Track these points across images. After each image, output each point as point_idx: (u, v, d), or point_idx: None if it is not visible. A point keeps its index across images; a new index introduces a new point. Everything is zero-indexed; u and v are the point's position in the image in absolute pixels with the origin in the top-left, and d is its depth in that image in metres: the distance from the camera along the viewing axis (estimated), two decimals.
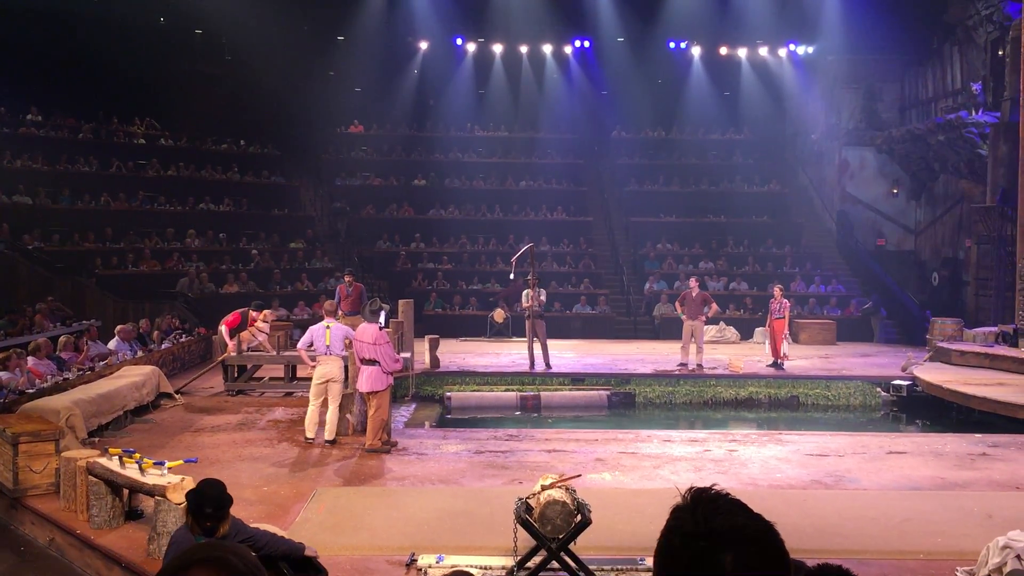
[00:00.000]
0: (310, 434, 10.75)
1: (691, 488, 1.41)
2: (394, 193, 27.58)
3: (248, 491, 8.56)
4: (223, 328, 14.13)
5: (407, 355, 15.29)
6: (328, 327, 10.81)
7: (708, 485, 1.43)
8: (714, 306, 16.90)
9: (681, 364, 16.68)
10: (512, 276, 18.00)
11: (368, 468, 9.75)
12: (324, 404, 10.90)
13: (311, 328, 11.10)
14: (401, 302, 16.08)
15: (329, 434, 10.74)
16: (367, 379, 10.26)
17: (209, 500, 4.98)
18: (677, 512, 1.38)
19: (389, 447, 10.48)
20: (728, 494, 1.40)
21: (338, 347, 10.80)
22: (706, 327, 21.67)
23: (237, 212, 24.74)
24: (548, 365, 16.33)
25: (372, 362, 10.27)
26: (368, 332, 10.38)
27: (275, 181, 26.54)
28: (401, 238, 26.19)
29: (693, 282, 17.26)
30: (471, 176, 28.21)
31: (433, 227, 26.61)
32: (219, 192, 24.83)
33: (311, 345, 10.88)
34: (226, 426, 11.84)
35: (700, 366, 16.50)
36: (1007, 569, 6.03)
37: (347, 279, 16.84)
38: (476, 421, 14.46)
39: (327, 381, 10.77)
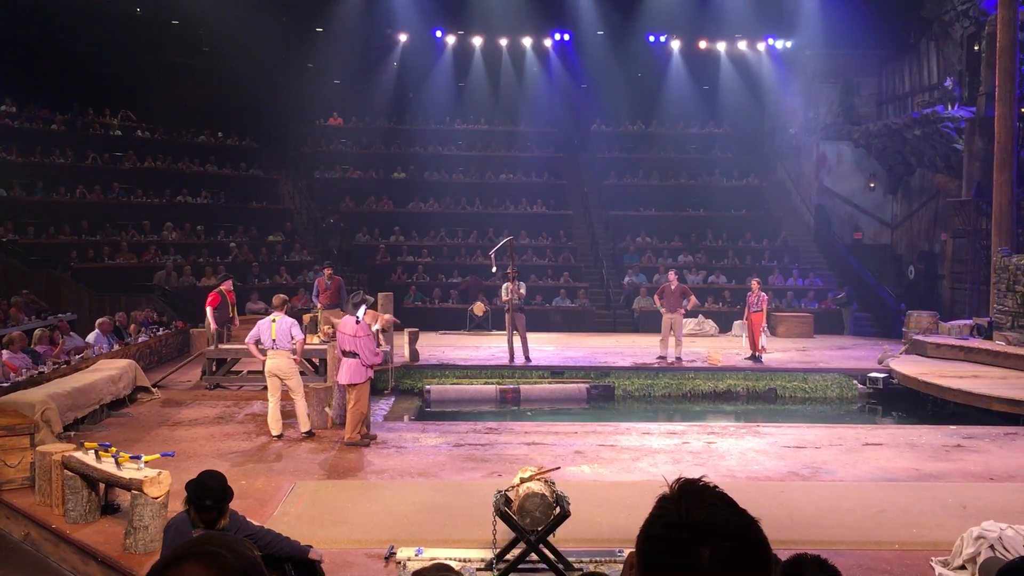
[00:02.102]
0: (276, 431, 10.61)
1: (679, 479, 1.41)
2: (373, 186, 27.47)
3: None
4: (208, 310, 14.23)
5: (386, 348, 15.24)
6: (274, 320, 10.67)
7: (697, 477, 1.43)
8: (692, 299, 16.97)
9: (660, 357, 16.75)
10: (493, 270, 18.00)
11: (347, 461, 9.73)
12: (288, 399, 10.86)
13: (259, 322, 11.01)
14: (381, 295, 16.03)
15: (303, 425, 10.69)
16: (346, 371, 10.23)
17: (210, 492, 4.94)
18: (662, 502, 1.38)
19: (368, 440, 10.45)
20: (716, 487, 1.40)
21: (284, 341, 10.58)
22: (685, 320, 21.78)
23: (215, 205, 24.57)
24: (528, 359, 16.35)
25: (352, 354, 10.24)
26: (349, 324, 10.36)
27: (253, 174, 26.37)
28: (381, 231, 26.10)
29: (672, 275, 17.30)
30: (451, 169, 28.15)
31: (413, 220, 26.54)
32: (196, 184, 24.64)
33: (259, 340, 10.72)
34: (203, 420, 11.77)
35: (679, 359, 16.56)
36: (980, 559, 6.10)
37: (326, 272, 16.76)
38: (455, 414, 14.47)
39: (274, 375, 10.62)
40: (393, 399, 14.63)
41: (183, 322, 18.03)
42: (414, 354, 16.22)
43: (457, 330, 21.63)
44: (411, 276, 24.24)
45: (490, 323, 21.55)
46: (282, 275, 22.87)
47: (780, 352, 18.10)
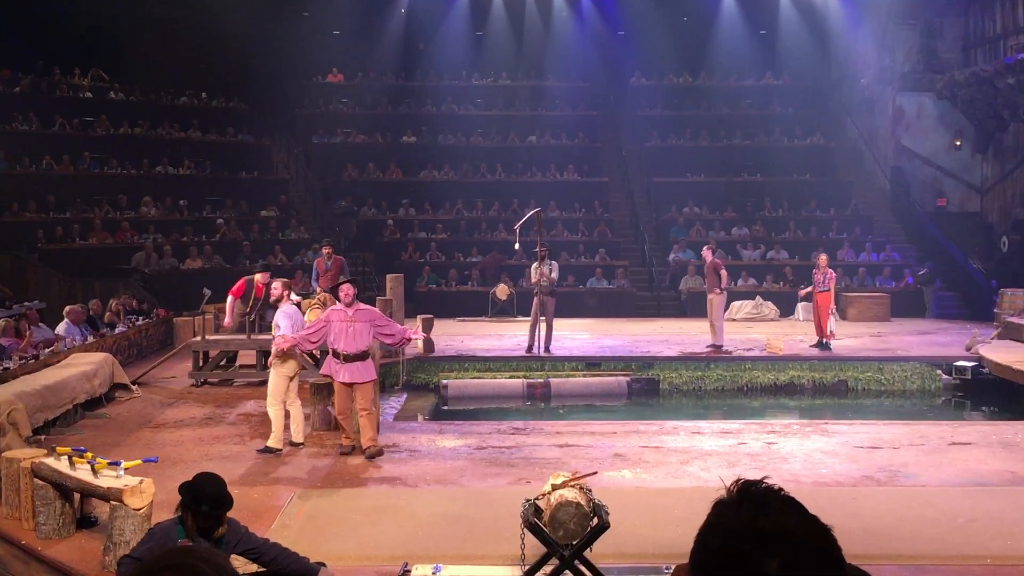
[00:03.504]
0: (279, 444, 10.31)
1: (738, 480, 1.39)
2: (379, 152, 27.53)
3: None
4: (229, 299, 14.38)
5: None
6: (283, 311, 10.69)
7: (759, 478, 1.41)
8: (723, 275, 16.81)
9: (709, 345, 16.71)
10: (517, 246, 17.98)
11: (352, 468, 9.78)
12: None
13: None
14: (389, 277, 16.07)
15: (297, 435, 10.53)
16: (351, 368, 10.14)
17: (206, 497, 4.99)
18: (720, 507, 1.36)
19: (348, 449, 10.20)
20: (781, 490, 1.38)
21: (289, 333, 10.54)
22: (741, 303, 21.69)
23: (199, 176, 24.74)
24: (547, 349, 16.36)
25: (356, 356, 10.10)
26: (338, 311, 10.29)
27: (242, 140, 26.50)
28: (388, 204, 26.16)
29: (705, 249, 17.35)
30: (468, 131, 28.14)
31: (425, 191, 26.60)
32: (178, 153, 24.80)
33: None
34: (190, 421, 11.87)
35: (716, 347, 16.56)
36: None
37: (325, 251, 16.82)
38: (477, 412, 14.52)
39: (286, 376, 10.41)
40: (405, 396, 14.67)
41: (165, 310, 18.19)
42: (428, 344, 16.27)
43: (477, 316, 21.70)
44: (424, 255, 24.31)
45: (515, 308, 21.58)
46: (276, 255, 23.00)
47: (851, 338, 17.99)
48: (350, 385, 10.02)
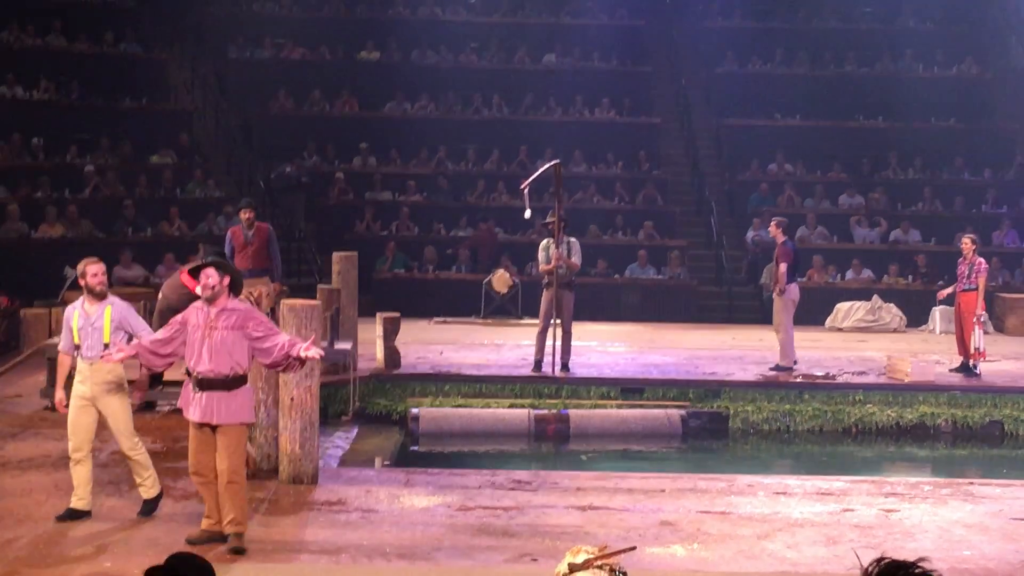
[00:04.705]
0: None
1: (880, 561, 1.39)
2: (326, 73, 27.51)
3: (81, 573, 8.57)
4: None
5: (345, 346, 15.26)
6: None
7: (911, 560, 1.41)
8: (781, 267, 16.82)
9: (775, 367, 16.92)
10: (527, 214, 17.90)
11: (279, 535, 9.75)
12: None
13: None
14: (336, 257, 16.05)
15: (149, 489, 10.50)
16: (211, 400, 9.31)
17: None
18: None
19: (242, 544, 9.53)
20: (936, 573, 1.37)
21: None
22: (851, 305, 21.67)
23: (62, 102, 24.65)
24: (565, 366, 16.30)
25: (226, 380, 9.42)
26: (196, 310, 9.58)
27: (126, 51, 26.34)
28: (337, 150, 26.11)
29: (774, 225, 17.43)
30: (457, 46, 28.04)
31: (392, 132, 26.54)
32: (32, 69, 24.67)
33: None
34: (43, 460, 11.83)
35: (781, 368, 16.70)
36: None
37: (245, 217, 16.75)
38: (461, 457, 14.50)
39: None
40: (356, 431, 14.64)
41: (8, 298, 18.14)
42: (392, 356, 16.22)
43: (465, 317, 21.68)
44: (388, 226, 24.23)
45: (519, 306, 21.53)
46: (173, 221, 22.89)
47: (1010, 360, 17.97)
48: (208, 427, 9.34)
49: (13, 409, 14.18)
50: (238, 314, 9.31)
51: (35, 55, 25.05)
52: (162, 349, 9.43)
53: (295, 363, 9.40)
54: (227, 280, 9.31)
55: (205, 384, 9.18)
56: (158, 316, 13.08)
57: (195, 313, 9.36)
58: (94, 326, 10.01)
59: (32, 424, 13.43)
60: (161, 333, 9.62)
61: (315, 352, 9.30)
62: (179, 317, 9.58)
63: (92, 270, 10.19)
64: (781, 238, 17.08)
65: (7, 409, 14.18)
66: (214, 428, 9.23)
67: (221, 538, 9.22)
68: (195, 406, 9.22)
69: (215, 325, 9.21)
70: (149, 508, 10.16)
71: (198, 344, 9.21)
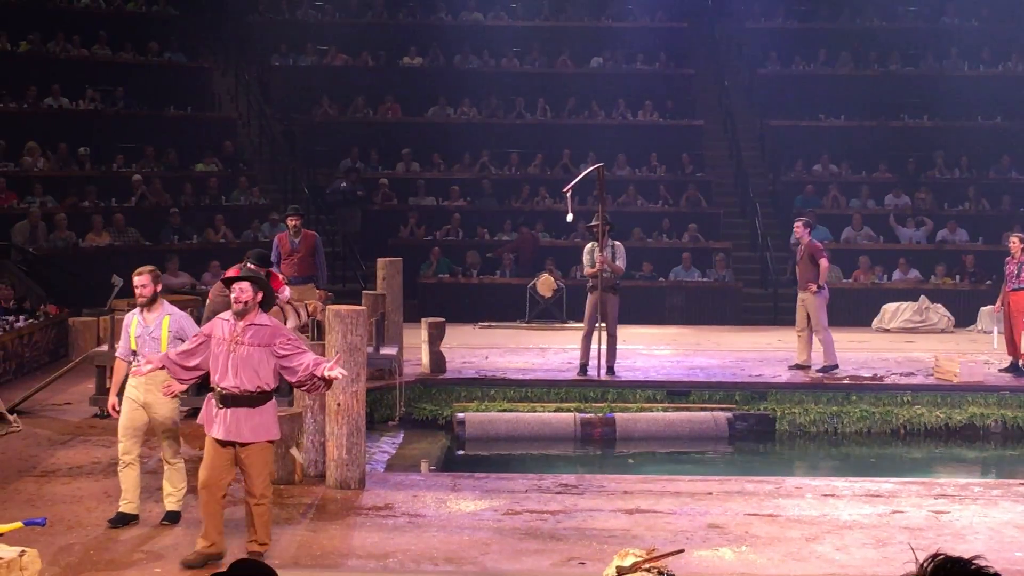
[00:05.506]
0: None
1: (936, 557, 1.39)
2: (369, 80, 27.61)
3: None
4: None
5: (390, 351, 15.29)
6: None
7: (966, 556, 1.41)
8: (823, 264, 16.79)
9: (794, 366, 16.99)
10: (569, 217, 17.91)
11: (327, 541, 9.79)
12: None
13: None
14: (381, 263, 16.07)
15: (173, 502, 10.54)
16: (235, 417, 9.14)
17: None
18: None
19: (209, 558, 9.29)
20: (992, 571, 1.37)
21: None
22: (897, 306, 21.55)
23: (107, 112, 24.79)
24: (610, 369, 16.34)
25: (250, 396, 9.16)
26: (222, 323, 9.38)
27: (170, 60, 26.52)
28: (381, 156, 26.18)
29: (799, 225, 17.40)
30: (499, 51, 28.08)
31: (435, 137, 26.64)
32: (78, 79, 24.86)
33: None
34: (92, 467, 11.92)
35: (804, 366, 16.76)
36: None
37: (291, 224, 16.81)
38: (507, 461, 14.52)
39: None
40: (402, 435, 14.70)
41: (57, 307, 18.25)
42: (437, 360, 16.26)
43: (509, 321, 21.74)
44: (432, 231, 24.28)
45: (564, 310, 21.53)
46: (219, 228, 23.03)
47: None
48: (231, 445, 9.18)
49: (62, 416, 14.32)
50: (265, 331, 9.14)
51: (81, 65, 25.26)
52: (187, 362, 9.23)
53: (320, 383, 9.16)
54: (260, 296, 9.17)
55: (229, 400, 9.01)
56: (206, 322, 13.17)
57: (220, 326, 9.20)
58: (152, 336, 10.08)
59: (81, 431, 13.56)
60: (187, 345, 9.47)
61: (339, 372, 9.08)
62: (204, 329, 9.53)
63: (136, 281, 10.26)
64: (807, 238, 17.07)
65: (57, 416, 14.31)
66: (235, 445, 9.10)
67: (217, 559, 9.01)
68: (218, 423, 9.05)
69: (241, 340, 9.05)
70: (175, 517, 10.24)
71: (223, 358, 9.07)
